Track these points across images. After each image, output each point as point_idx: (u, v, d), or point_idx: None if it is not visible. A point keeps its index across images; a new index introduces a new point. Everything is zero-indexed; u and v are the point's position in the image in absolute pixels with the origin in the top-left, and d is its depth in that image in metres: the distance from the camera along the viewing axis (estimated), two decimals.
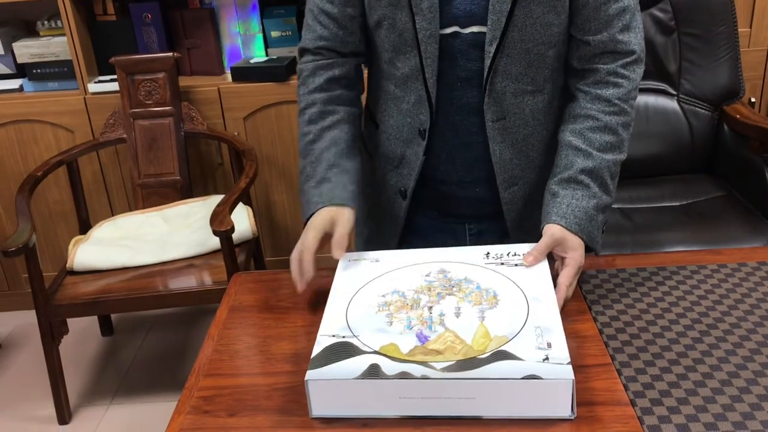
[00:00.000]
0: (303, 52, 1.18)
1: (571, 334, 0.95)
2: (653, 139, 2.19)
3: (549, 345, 0.84)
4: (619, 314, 0.99)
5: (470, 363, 0.82)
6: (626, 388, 0.85)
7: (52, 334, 2.01)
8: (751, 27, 2.35)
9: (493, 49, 1.04)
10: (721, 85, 2.17)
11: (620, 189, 2.12)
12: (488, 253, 1.04)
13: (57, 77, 2.42)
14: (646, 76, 2.19)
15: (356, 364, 0.83)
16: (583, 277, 1.08)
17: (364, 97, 1.26)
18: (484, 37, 1.05)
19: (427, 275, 1.00)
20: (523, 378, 0.79)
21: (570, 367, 0.80)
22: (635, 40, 1.09)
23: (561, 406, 0.80)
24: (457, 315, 0.91)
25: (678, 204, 2.07)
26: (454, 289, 0.97)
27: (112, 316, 2.54)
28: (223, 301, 1.11)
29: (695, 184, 2.15)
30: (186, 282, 2.01)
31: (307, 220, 1.09)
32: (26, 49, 2.40)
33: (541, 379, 0.78)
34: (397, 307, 0.94)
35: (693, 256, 1.14)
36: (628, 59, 1.09)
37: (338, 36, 1.14)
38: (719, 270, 1.09)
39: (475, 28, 1.06)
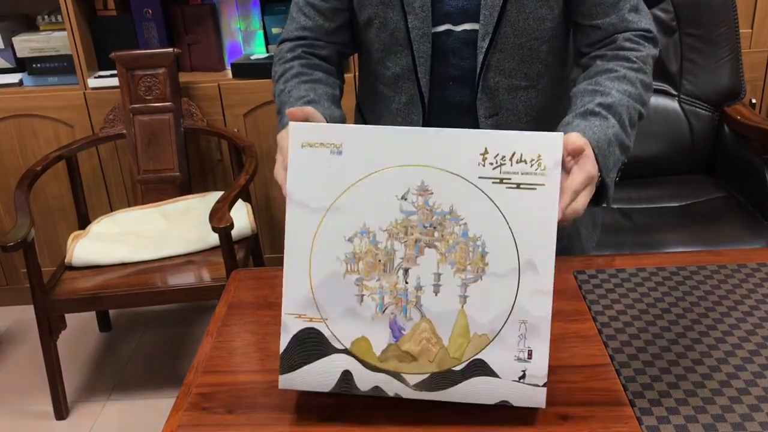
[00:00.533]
0: (283, 41, 1.16)
1: (570, 334, 0.95)
2: (654, 139, 2.19)
3: (530, 354, 0.77)
4: (618, 314, 0.99)
5: (444, 379, 0.79)
6: (625, 388, 0.85)
7: (50, 329, 2.00)
8: (752, 28, 2.35)
9: (485, 45, 1.04)
10: (722, 86, 2.17)
11: (620, 189, 2.13)
12: (486, 150, 0.77)
13: (57, 72, 2.42)
14: None
15: (328, 370, 0.80)
16: (582, 277, 1.08)
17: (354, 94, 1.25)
18: (476, 34, 1.05)
19: (403, 197, 0.79)
20: (495, 403, 0.79)
21: (544, 390, 0.78)
22: (646, 20, 1.06)
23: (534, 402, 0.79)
24: (436, 291, 0.79)
25: (678, 204, 2.07)
26: (436, 233, 0.78)
27: (111, 311, 2.54)
28: (222, 298, 1.11)
29: (695, 185, 2.15)
30: (185, 278, 2.01)
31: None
32: (26, 44, 2.39)
33: (512, 406, 0.78)
34: (368, 267, 0.79)
35: (693, 257, 1.14)
36: (643, 33, 1.06)
37: (322, 27, 1.13)
38: (719, 271, 1.09)
39: (467, 26, 1.05)
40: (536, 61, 1.08)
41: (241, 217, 2.13)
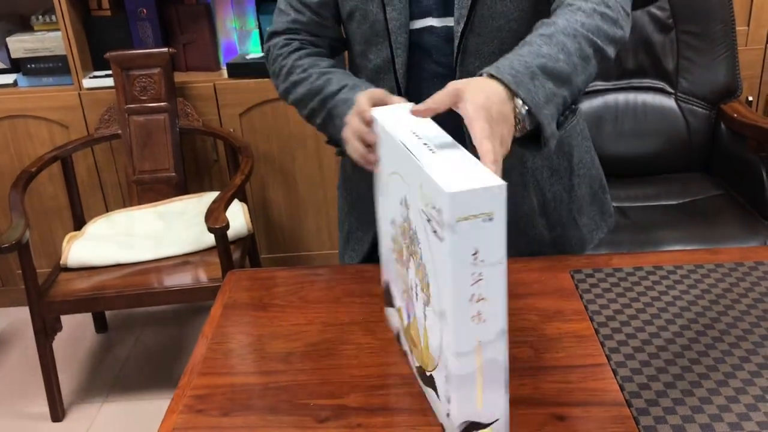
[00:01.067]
0: (272, 35, 1.15)
1: (566, 334, 0.95)
2: (650, 138, 2.19)
3: (449, 400, 0.74)
4: (615, 314, 0.99)
5: (423, 375, 0.85)
6: (622, 388, 0.85)
7: (45, 330, 2.00)
8: (748, 25, 2.35)
9: (461, 28, 1.03)
10: (719, 84, 2.17)
11: (617, 187, 2.13)
12: (421, 187, 0.72)
13: (51, 72, 2.41)
14: (643, 74, 2.20)
15: (395, 319, 0.95)
16: (579, 276, 1.08)
17: None
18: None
19: (401, 202, 0.81)
20: (440, 422, 0.81)
21: None
22: None
23: None
24: (416, 297, 0.81)
25: (675, 203, 2.07)
26: (413, 246, 0.78)
27: (107, 313, 2.53)
28: (217, 299, 1.10)
29: (692, 183, 2.15)
30: (181, 279, 2.00)
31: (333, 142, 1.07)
32: (20, 44, 2.38)
33: None
34: (397, 252, 0.86)
35: (690, 256, 1.14)
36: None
37: (312, 21, 1.13)
38: (716, 270, 1.08)
39: (449, 21, 1.05)
40: (514, 44, 1.06)
41: (237, 218, 2.12)
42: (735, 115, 2.10)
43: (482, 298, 0.69)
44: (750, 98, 2.40)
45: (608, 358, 0.90)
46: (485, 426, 0.74)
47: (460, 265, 0.67)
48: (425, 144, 0.76)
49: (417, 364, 0.86)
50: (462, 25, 1.03)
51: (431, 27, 1.06)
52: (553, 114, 0.86)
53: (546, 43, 0.87)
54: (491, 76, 0.83)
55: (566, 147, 1.19)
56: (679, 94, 2.19)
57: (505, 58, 0.86)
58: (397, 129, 0.82)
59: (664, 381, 0.85)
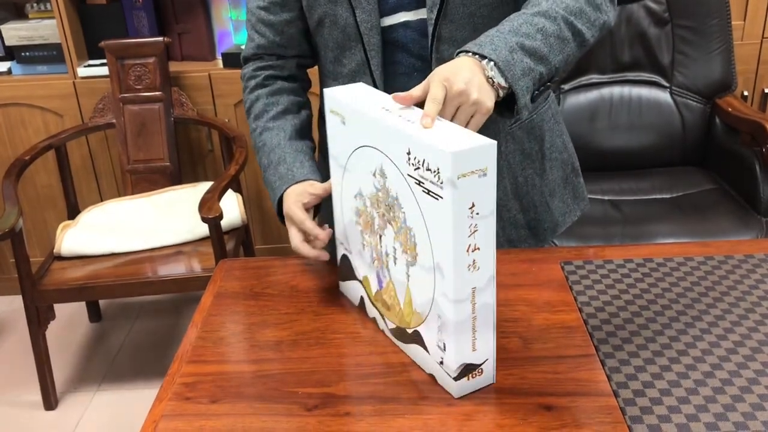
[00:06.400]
0: (244, 61, 1.21)
1: (555, 325, 0.95)
2: (645, 131, 2.19)
3: (444, 346, 0.82)
4: (604, 305, 0.99)
5: (403, 334, 0.90)
6: (609, 379, 0.85)
7: (38, 319, 2.00)
8: (744, 20, 2.35)
9: (434, 15, 1.03)
10: (714, 78, 2.17)
11: (610, 180, 2.13)
12: (409, 152, 0.78)
13: (46, 60, 2.40)
14: (638, 68, 2.20)
15: (356, 290, 1.01)
16: (569, 268, 1.08)
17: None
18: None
19: (374, 174, 0.86)
20: (429, 373, 0.87)
21: (456, 384, 0.82)
22: None
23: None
24: (395, 261, 0.87)
25: (668, 196, 2.07)
26: (391, 213, 0.85)
27: (101, 302, 2.53)
28: (208, 288, 1.11)
29: (686, 177, 2.15)
30: (175, 269, 2.00)
31: (279, 208, 1.09)
32: (15, 32, 2.37)
33: (438, 383, 0.85)
34: (364, 223, 0.93)
35: (680, 248, 1.14)
36: None
37: (275, 42, 1.15)
38: (706, 262, 1.09)
39: (423, 14, 1.05)
40: (488, 30, 1.07)
41: (231, 208, 2.12)
42: (730, 110, 2.10)
43: (477, 248, 0.76)
44: (745, 93, 2.40)
45: (596, 349, 0.90)
46: (477, 366, 0.83)
47: (460, 219, 0.73)
48: (400, 116, 0.82)
49: (393, 326, 0.92)
50: (435, 13, 1.03)
51: (406, 22, 1.05)
52: (529, 87, 0.90)
53: (526, 22, 0.92)
54: (471, 53, 0.88)
55: (537, 131, 1.19)
56: (674, 88, 2.19)
57: (485, 35, 0.91)
58: (365, 104, 0.87)
59: (652, 372, 0.86)
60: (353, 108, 0.88)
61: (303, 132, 1.16)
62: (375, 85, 1.09)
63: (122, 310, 2.56)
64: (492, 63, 0.87)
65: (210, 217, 1.84)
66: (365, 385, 0.86)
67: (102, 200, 2.48)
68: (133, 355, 2.32)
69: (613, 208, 2.01)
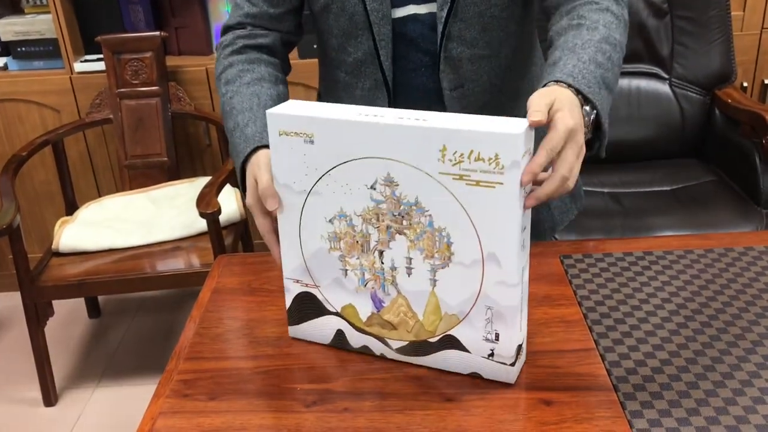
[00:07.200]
0: (225, 30, 1.11)
1: (554, 319, 0.95)
2: (644, 123, 2.18)
3: (497, 337, 0.80)
4: (604, 299, 0.99)
5: (421, 347, 0.85)
6: (609, 373, 0.84)
7: (37, 316, 1.99)
8: (744, 11, 2.33)
9: (444, 14, 1.02)
10: (714, 69, 2.16)
11: (610, 172, 2.12)
12: (445, 148, 0.75)
13: (42, 56, 2.39)
14: (638, 60, 2.19)
15: (325, 327, 0.91)
16: (568, 261, 1.08)
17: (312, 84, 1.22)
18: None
19: (372, 187, 0.80)
20: (467, 374, 0.84)
21: (513, 369, 0.82)
22: None
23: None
24: (409, 272, 0.82)
25: (668, 188, 2.07)
26: (404, 222, 0.80)
27: (100, 298, 2.53)
28: (206, 284, 1.10)
29: (685, 169, 2.15)
30: (173, 264, 1.99)
31: (243, 173, 0.97)
32: (11, 27, 2.36)
33: (483, 378, 0.83)
34: (348, 246, 0.85)
35: (680, 241, 1.13)
36: None
37: (266, 14, 1.08)
38: (706, 255, 1.08)
39: (433, 7, 1.03)
40: (497, 29, 1.06)
41: (230, 203, 2.12)
42: (729, 101, 2.09)
43: (525, 227, 0.78)
44: (745, 84, 2.39)
45: (596, 343, 0.90)
46: (521, 345, 0.83)
47: (520, 201, 0.74)
48: (401, 118, 0.77)
49: (401, 344, 0.85)
50: (445, 12, 1.02)
51: (415, 15, 1.04)
52: (607, 121, 0.88)
53: (600, 51, 0.88)
54: (572, 87, 0.83)
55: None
56: (673, 79, 2.18)
57: (572, 65, 0.85)
58: (341, 114, 0.79)
59: (652, 366, 0.85)
60: (329, 120, 0.79)
61: (278, 100, 1.04)
62: (384, 79, 1.07)
63: (121, 306, 2.55)
64: (592, 108, 0.84)
65: (208, 212, 1.83)
66: (364, 381, 0.86)
67: (100, 196, 2.47)
68: (133, 350, 2.32)
69: (612, 201, 2.00)
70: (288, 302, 0.92)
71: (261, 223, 0.91)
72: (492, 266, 0.78)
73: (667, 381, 0.83)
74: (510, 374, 0.82)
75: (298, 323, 0.93)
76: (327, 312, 0.90)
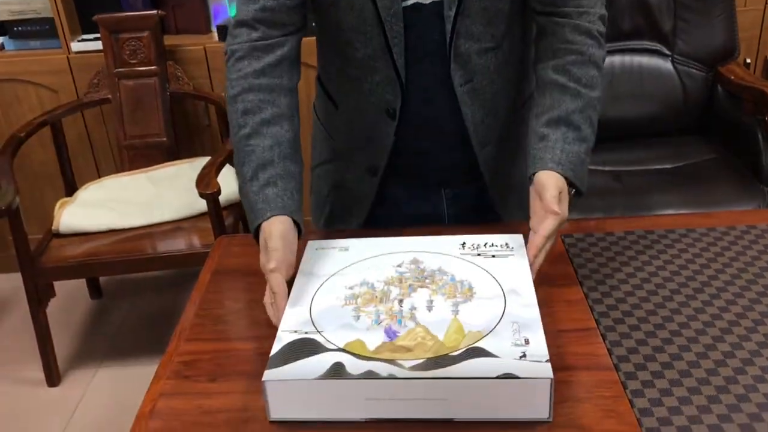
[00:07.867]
0: (238, 25, 1.02)
1: (555, 299, 0.94)
2: (646, 100, 2.16)
3: (527, 341, 0.78)
4: (605, 278, 0.98)
5: (441, 361, 0.76)
6: (610, 352, 0.84)
7: (38, 297, 1.99)
8: None
9: (453, 13, 1.01)
10: (716, 46, 2.13)
11: (611, 150, 2.11)
12: (464, 243, 0.99)
13: (39, 35, 2.37)
14: (640, 36, 2.17)
15: (319, 363, 0.77)
16: (569, 240, 1.07)
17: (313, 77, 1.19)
18: (443, 5, 1.01)
19: (398, 265, 0.94)
20: (497, 377, 0.73)
21: (549, 365, 0.75)
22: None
23: (538, 408, 0.74)
24: (429, 309, 0.86)
25: (670, 166, 2.05)
26: (427, 280, 0.91)
27: (101, 279, 2.53)
28: (206, 265, 1.10)
29: (687, 146, 2.13)
30: (174, 245, 1.99)
31: (256, 230, 0.97)
32: (6, 6, 2.34)
33: (518, 378, 0.73)
34: (365, 300, 0.87)
35: (682, 219, 1.13)
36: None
37: (284, 6, 1.01)
38: (708, 233, 1.07)
39: None
40: (501, 22, 1.05)
41: (230, 183, 2.11)
42: (732, 77, 2.07)
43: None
44: (748, 60, 2.37)
45: (597, 322, 0.90)
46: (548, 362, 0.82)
47: (526, 261, 0.95)
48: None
49: (416, 362, 0.77)
50: (453, 10, 1.00)
51: (418, 4, 1.02)
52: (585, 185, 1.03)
53: (583, 122, 1.01)
54: (562, 175, 0.97)
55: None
56: (675, 56, 2.15)
57: (561, 150, 0.99)
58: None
59: (653, 345, 0.85)
60: (365, 241, 1.02)
61: (296, 144, 1.03)
62: (396, 74, 1.05)
63: (123, 287, 2.55)
64: (576, 192, 1.00)
65: (208, 192, 1.82)
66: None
67: (99, 176, 2.46)
68: (135, 331, 2.33)
69: (614, 179, 1.99)
70: (275, 350, 0.79)
71: (274, 284, 0.90)
72: (513, 296, 0.87)
73: (668, 360, 0.82)
74: (545, 370, 0.74)
75: (282, 364, 0.77)
76: (325, 350, 0.79)
